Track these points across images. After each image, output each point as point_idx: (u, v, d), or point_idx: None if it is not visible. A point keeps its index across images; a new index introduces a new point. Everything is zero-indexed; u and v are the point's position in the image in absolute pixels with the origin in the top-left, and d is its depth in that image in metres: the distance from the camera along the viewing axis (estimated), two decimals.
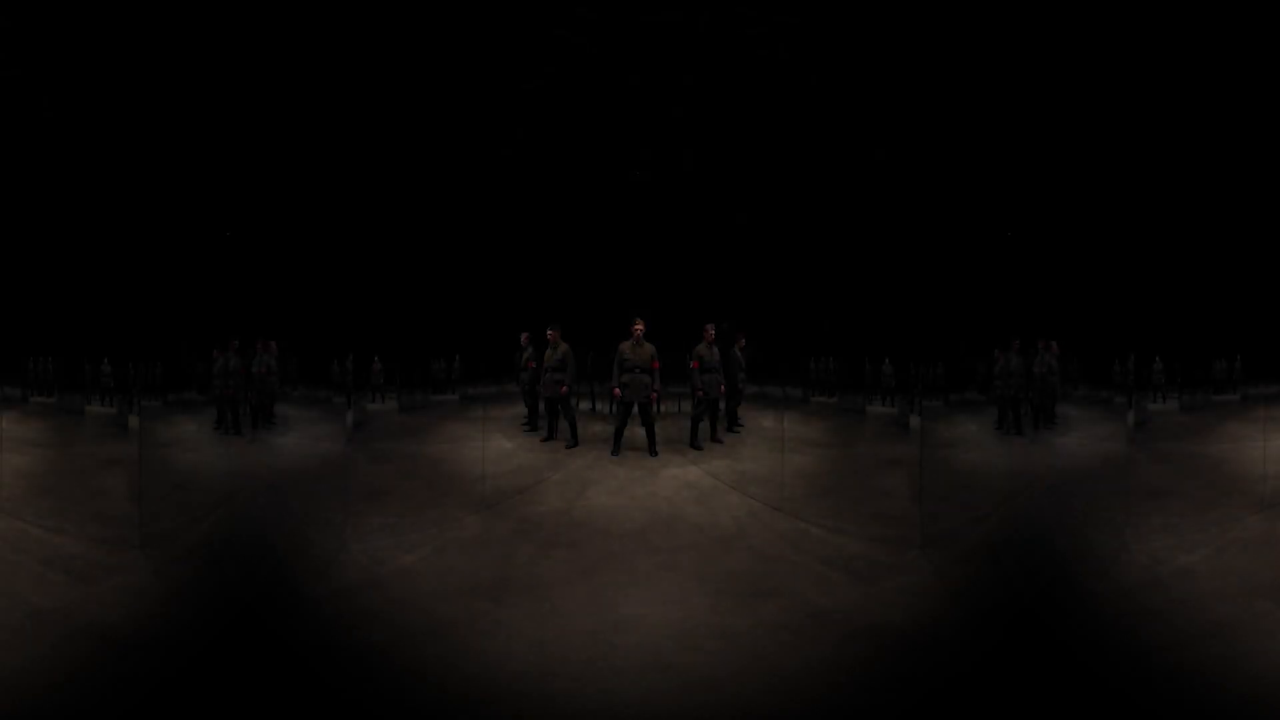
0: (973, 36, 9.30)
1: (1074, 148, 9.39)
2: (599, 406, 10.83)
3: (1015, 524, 7.56)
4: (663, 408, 10.13)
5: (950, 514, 7.70)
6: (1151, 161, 9.33)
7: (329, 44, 9.42)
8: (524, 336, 10.55)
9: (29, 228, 9.31)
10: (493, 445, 9.66)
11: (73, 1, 8.94)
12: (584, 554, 6.83)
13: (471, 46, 9.84)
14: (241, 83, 9.25)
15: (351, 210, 9.90)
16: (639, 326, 9.40)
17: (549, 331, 9.86)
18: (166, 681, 4.54)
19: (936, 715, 4.19)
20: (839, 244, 10.18)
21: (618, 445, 9.30)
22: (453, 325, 10.62)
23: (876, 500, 8.09)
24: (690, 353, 9.64)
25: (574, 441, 9.60)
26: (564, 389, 9.62)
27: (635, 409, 9.30)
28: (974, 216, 9.60)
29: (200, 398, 9.47)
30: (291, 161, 9.54)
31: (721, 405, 9.93)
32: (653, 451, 9.23)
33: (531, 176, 10.40)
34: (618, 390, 9.31)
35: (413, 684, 4.89)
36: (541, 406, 10.07)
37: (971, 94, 9.45)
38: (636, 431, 9.47)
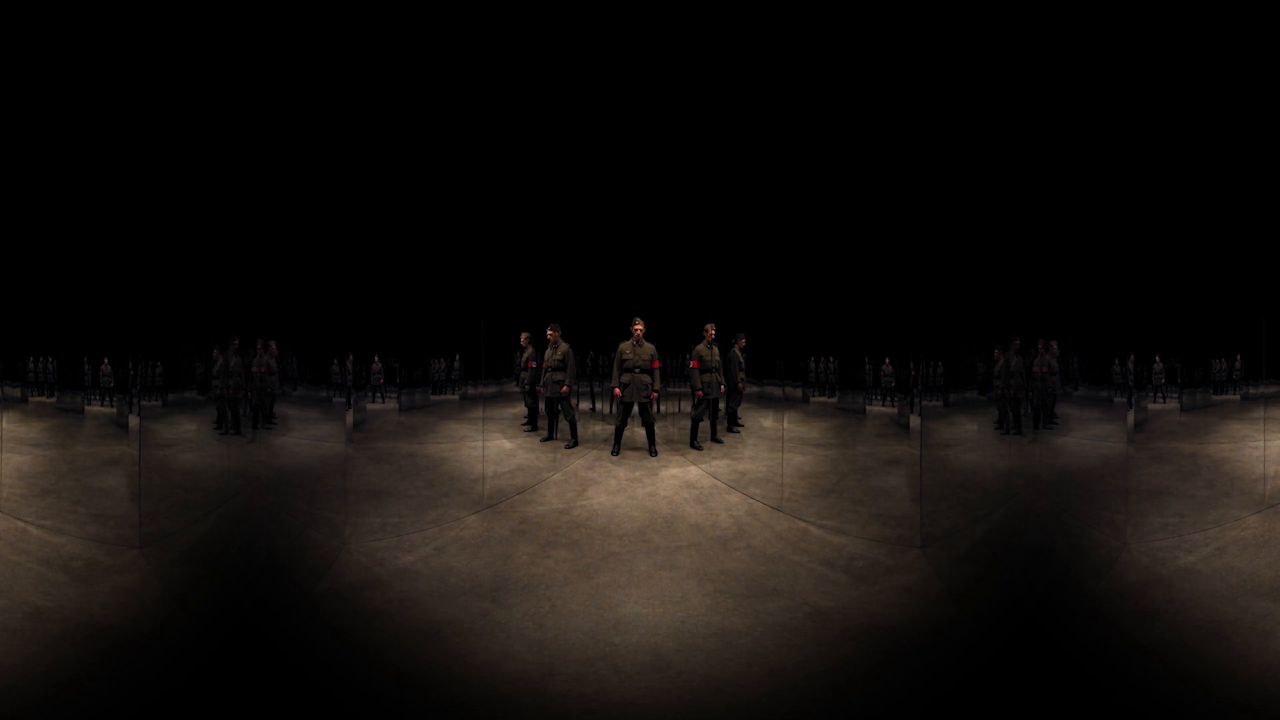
0: (973, 36, 9.30)
1: (1074, 148, 9.39)
2: (599, 406, 10.83)
3: (1015, 524, 7.56)
4: (663, 408, 10.14)
5: (950, 514, 7.70)
6: (1152, 161, 9.33)
7: (330, 43, 9.43)
8: (524, 336, 10.55)
9: (29, 227, 9.31)
10: (493, 445, 9.67)
11: (72, 1, 8.94)
12: (584, 554, 6.83)
13: (472, 46, 9.84)
14: (241, 82, 9.25)
15: (352, 210, 9.90)
16: (639, 326, 9.41)
17: (549, 331, 9.87)
18: (167, 681, 4.54)
19: (937, 714, 4.19)
20: (839, 244, 10.17)
21: (618, 445, 9.30)
22: (453, 325, 10.62)
23: (876, 500, 8.10)
24: (690, 353, 9.65)
25: (574, 441, 9.60)
26: (565, 389, 9.63)
27: (635, 409, 9.31)
28: (974, 216, 9.60)
29: (200, 398, 9.47)
30: (292, 161, 9.54)
31: (721, 405, 9.94)
32: (652, 451, 9.24)
33: (532, 176, 10.40)
34: (618, 390, 9.31)
35: (413, 684, 4.88)
36: (541, 406, 10.07)
37: (972, 93, 9.45)
38: (636, 431, 9.47)
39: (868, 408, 10.26)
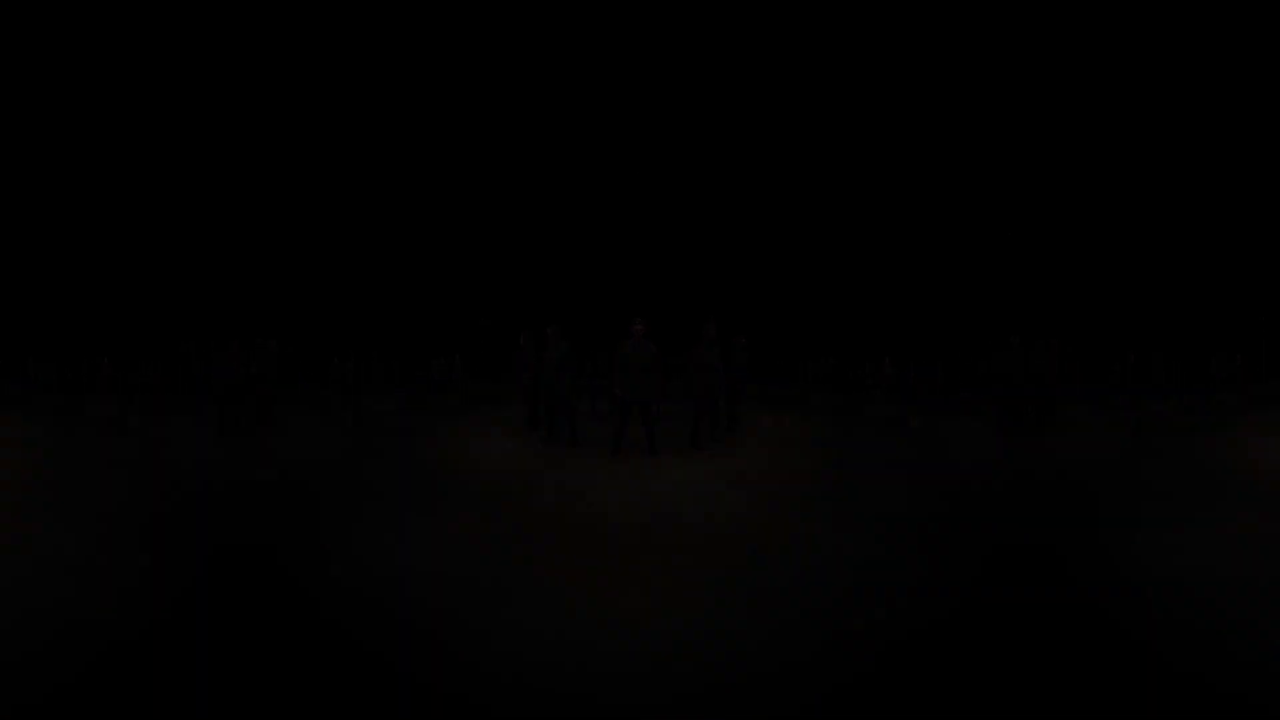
0: (973, 36, 9.29)
1: (1074, 148, 9.39)
2: (599, 406, 10.82)
3: (1015, 524, 7.57)
4: (663, 408, 10.12)
5: (950, 514, 7.71)
6: (1152, 161, 9.33)
7: (331, 45, 9.42)
8: (524, 336, 10.56)
9: (29, 227, 9.31)
10: (493, 445, 9.66)
11: (72, 2, 8.94)
12: (584, 554, 6.83)
13: (472, 46, 9.84)
14: (242, 84, 9.25)
15: (353, 211, 9.91)
16: (639, 327, 9.42)
17: (549, 331, 9.88)
18: (166, 682, 4.55)
19: (937, 715, 4.20)
20: (839, 245, 10.18)
21: (618, 445, 9.31)
22: (453, 325, 10.64)
23: (877, 500, 8.10)
24: (689, 352, 9.66)
25: (574, 442, 9.61)
26: (565, 389, 9.63)
27: (635, 409, 9.31)
28: (974, 216, 9.60)
29: (200, 398, 9.48)
30: (292, 162, 9.55)
31: (722, 405, 9.94)
32: (653, 451, 9.24)
33: (533, 178, 10.41)
34: (618, 390, 9.32)
35: (410, 685, 4.89)
36: (542, 407, 10.08)
37: (972, 94, 9.45)
38: (636, 431, 9.46)
39: (868, 408, 10.25)
